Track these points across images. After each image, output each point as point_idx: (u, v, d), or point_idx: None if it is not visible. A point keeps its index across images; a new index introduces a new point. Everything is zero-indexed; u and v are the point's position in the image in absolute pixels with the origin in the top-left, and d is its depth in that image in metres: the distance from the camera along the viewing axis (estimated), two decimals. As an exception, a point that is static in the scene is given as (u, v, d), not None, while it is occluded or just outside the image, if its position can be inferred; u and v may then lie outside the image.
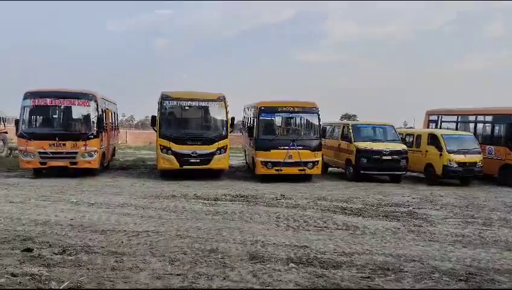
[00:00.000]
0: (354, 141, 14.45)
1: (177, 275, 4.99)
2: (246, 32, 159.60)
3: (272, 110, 14.23)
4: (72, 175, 13.53)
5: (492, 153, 14.77)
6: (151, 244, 6.26)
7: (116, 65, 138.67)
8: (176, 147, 13.24)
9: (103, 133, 14.47)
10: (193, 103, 13.83)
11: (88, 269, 5.11)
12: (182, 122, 14.11)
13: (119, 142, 23.33)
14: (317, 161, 13.81)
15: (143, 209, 8.85)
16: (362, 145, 14.25)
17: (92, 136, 13.52)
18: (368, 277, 5.09)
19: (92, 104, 13.74)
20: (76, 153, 13.30)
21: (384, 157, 14.08)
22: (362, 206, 9.89)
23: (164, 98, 13.58)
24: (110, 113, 16.70)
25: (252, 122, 15.09)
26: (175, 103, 13.71)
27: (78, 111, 13.96)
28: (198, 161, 13.33)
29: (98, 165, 13.94)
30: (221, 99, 13.81)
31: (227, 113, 13.73)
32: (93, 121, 13.66)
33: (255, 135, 13.92)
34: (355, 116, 56.99)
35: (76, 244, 6.12)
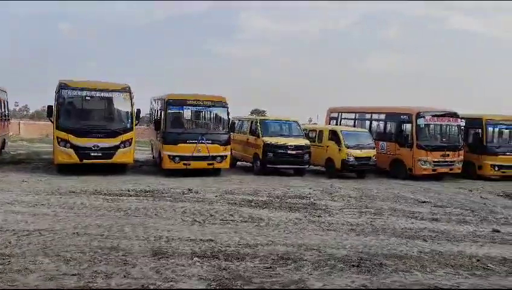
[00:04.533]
0: (262, 136, 14.82)
1: (73, 275, 4.70)
2: (159, 22, 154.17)
3: (180, 102, 13.94)
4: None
5: (385, 149, 16.16)
6: (45, 243, 5.81)
7: (11, 50, 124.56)
8: (75, 140, 12.37)
9: (-10, 124, 13.08)
10: (95, 93, 13.00)
11: (-34, 274, 4.59)
12: (82, 114, 13.21)
13: (11, 133, 21.24)
14: (226, 155, 13.89)
15: (36, 207, 8.16)
16: (269, 140, 14.65)
17: None
18: (270, 267, 5.27)
19: (-24, 90, 12.34)
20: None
21: (289, 152, 14.65)
22: (268, 198, 10.19)
23: (62, 86, 12.60)
24: (-2, 102, 15.14)
25: (159, 115, 14.68)
26: (74, 92, 12.78)
27: None
28: (100, 154, 12.61)
29: (-16, 159, 12.57)
30: (127, 90, 13.16)
31: (132, 104, 13.14)
32: (-23, 110, 12.28)
33: (162, 128, 13.54)
34: (264, 111, 58.32)
35: (-48, 248, 5.45)
